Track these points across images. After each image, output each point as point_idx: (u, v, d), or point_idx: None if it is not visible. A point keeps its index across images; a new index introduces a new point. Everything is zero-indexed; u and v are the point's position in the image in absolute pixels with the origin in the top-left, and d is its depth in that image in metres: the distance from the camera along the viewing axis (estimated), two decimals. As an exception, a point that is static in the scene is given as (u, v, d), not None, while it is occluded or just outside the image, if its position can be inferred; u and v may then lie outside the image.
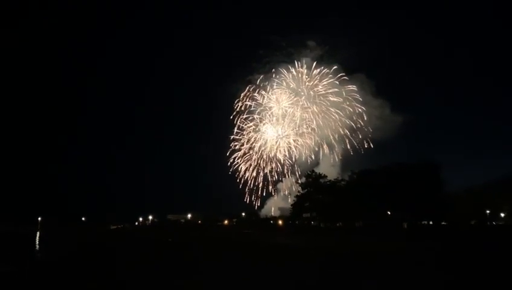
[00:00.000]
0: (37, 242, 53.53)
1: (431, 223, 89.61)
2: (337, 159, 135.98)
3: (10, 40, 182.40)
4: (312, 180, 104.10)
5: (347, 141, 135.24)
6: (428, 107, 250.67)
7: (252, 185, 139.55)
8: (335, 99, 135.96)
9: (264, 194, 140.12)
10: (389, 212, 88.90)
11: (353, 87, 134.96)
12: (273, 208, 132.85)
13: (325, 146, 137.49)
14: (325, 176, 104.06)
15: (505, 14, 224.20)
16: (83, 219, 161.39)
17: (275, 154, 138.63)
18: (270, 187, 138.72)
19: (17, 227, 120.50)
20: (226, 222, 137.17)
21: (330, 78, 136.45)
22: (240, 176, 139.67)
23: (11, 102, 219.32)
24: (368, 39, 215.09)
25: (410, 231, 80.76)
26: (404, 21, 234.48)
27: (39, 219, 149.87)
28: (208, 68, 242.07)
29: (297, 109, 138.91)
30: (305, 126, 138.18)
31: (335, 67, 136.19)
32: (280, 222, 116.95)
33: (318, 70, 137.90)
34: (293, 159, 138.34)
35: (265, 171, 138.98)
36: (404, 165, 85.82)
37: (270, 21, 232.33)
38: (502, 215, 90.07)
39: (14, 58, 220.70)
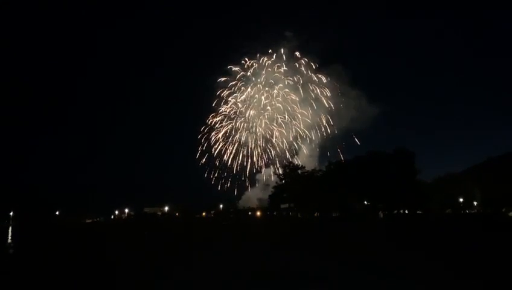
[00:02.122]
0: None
1: (407, 212, 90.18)
2: (314, 150, 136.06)
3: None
4: (290, 171, 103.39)
5: (325, 132, 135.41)
6: (405, 98, 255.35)
7: (229, 176, 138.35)
8: (312, 89, 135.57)
9: (243, 185, 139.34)
10: (365, 202, 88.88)
11: (330, 78, 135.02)
12: (251, 199, 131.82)
13: (302, 137, 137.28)
14: (303, 167, 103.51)
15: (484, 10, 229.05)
16: (57, 212, 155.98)
17: (253, 146, 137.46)
18: (248, 176, 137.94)
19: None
20: (203, 214, 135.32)
21: (307, 68, 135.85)
22: (218, 166, 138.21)
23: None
24: (346, 30, 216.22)
25: (386, 219, 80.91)
26: (380, 11, 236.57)
27: (11, 213, 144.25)
28: (186, 58, 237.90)
29: (275, 99, 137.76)
30: (282, 117, 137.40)
31: (312, 58, 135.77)
32: (258, 213, 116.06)
33: (295, 60, 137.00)
34: (271, 150, 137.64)
35: (243, 162, 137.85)
36: (379, 155, 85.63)
37: (247, 10, 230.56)
38: (475, 203, 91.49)
39: None
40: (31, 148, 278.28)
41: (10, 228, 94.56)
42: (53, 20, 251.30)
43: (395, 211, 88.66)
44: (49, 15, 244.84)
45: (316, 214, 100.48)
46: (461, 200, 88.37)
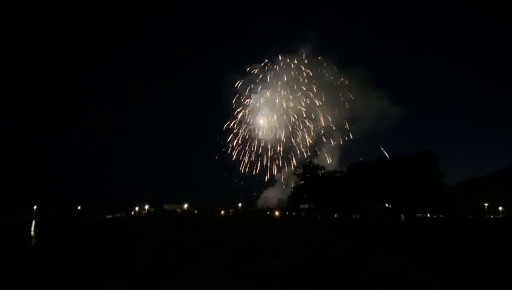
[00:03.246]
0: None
1: (429, 215, 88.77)
2: (335, 151, 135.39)
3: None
4: (310, 171, 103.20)
5: (346, 132, 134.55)
6: (429, 99, 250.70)
7: (249, 176, 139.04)
8: (334, 91, 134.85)
9: (262, 184, 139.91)
10: (386, 205, 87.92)
11: (352, 79, 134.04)
12: (270, 199, 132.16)
13: (323, 137, 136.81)
14: (323, 167, 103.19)
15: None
16: (79, 207, 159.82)
17: (273, 146, 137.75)
18: (267, 177, 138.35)
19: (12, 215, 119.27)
20: (222, 212, 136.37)
21: (329, 69, 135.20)
22: (238, 165, 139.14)
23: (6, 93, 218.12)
24: (369, 30, 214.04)
25: (407, 222, 79.82)
26: (404, 11, 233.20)
27: (34, 207, 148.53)
28: (207, 58, 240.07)
29: (296, 99, 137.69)
30: (303, 117, 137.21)
31: (334, 58, 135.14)
32: (277, 213, 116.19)
33: (317, 60, 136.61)
34: (291, 151, 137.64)
35: (264, 161, 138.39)
36: (402, 157, 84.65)
37: (269, 10, 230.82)
38: (500, 209, 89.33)
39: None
40: (53, 146, 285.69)
41: (34, 221, 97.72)
42: (79, 18, 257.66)
43: (417, 215, 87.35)
44: (73, 12, 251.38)
45: (335, 215, 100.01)
46: (486, 205, 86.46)
